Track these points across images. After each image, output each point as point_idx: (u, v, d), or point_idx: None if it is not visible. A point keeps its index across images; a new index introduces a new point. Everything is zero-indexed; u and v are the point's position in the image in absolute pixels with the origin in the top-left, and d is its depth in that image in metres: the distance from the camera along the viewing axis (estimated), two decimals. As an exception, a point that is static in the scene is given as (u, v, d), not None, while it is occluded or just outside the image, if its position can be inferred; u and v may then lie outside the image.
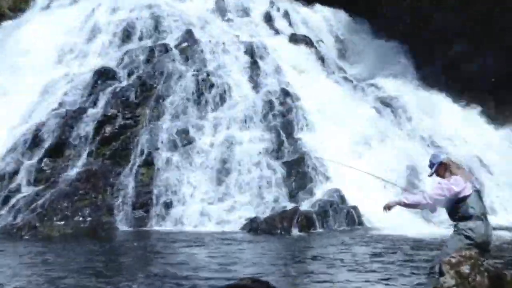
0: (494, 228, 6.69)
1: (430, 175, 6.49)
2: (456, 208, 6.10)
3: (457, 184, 6.10)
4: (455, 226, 6.13)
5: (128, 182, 15.50)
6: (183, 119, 17.33)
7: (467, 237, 5.99)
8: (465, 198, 6.08)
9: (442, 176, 6.32)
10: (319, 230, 13.98)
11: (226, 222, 14.69)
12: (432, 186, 6.36)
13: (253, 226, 14.00)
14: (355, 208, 14.65)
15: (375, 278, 8.16)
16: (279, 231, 13.61)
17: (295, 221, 13.85)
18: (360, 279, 8.11)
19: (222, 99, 18.08)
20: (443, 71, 21.59)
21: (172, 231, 14.14)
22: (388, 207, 6.38)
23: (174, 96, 17.82)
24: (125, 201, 15.15)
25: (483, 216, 6.07)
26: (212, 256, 10.37)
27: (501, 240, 11.39)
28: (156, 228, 14.64)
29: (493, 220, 6.32)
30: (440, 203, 6.19)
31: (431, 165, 6.37)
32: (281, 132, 17.11)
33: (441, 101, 20.04)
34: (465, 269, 5.48)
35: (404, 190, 6.92)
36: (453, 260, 5.59)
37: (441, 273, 5.55)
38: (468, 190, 6.11)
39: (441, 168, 6.28)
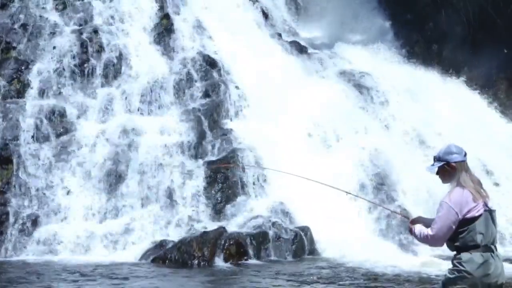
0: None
1: (429, 171, 6.45)
2: (458, 233, 6.17)
3: (462, 203, 6.14)
4: (453, 259, 6.20)
5: (-28, 189, 15.21)
6: (57, 97, 17.12)
7: (466, 277, 6.07)
8: (472, 220, 6.16)
9: (445, 180, 6.34)
10: (254, 260, 14.08)
11: (119, 248, 14.69)
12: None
13: (159, 254, 14.02)
14: (306, 230, 14.84)
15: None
16: (196, 262, 13.66)
17: (221, 248, 13.92)
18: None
19: (117, 69, 17.97)
20: (435, 38, 22.14)
21: (38, 261, 13.95)
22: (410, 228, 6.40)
23: (44, 61, 17.60)
24: (-34, 216, 14.86)
25: (493, 246, 6.17)
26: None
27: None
28: (14, 258, 14.44)
29: (498, 249, 6.38)
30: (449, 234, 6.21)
31: (438, 159, 6.35)
32: (203, 119, 17.16)
33: (431, 80, 20.53)
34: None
35: (393, 212, 6.80)
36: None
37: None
38: (477, 210, 6.18)
39: (447, 171, 6.30)
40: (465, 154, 6.30)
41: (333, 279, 12.05)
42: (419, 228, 6.33)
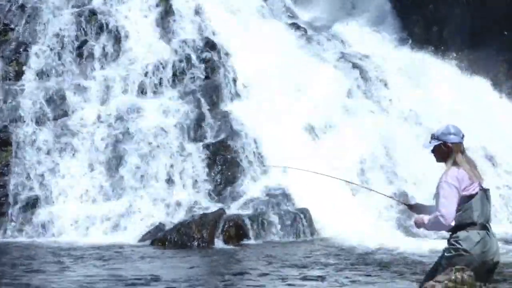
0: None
1: (425, 147, 6.49)
2: (456, 211, 6.19)
3: (459, 180, 6.17)
4: (450, 238, 6.23)
5: (-29, 171, 15.28)
6: (56, 79, 17.15)
7: (463, 255, 6.08)
8: (469, 197, 6.19)
9: (439, 159, 6.38)
10: (254, 241, 14.15)
11: (118, 230, 14.73)
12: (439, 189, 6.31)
13: (158, 236, 14.07)
14: (305, 211, 14.88)
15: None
16: (196, 243, 13.72)
17: (220, 230, 13.99)
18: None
19: (116, 51, 17.97)
20: (435, 20, 22.08)
21: (38, 243, 14.01)
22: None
23: (43, 43, 17.62)
24: (-35, 198, 14.92)
25: (488, 225, 6.20)
26: (93, 281, 10.25)
27: (504, 257, 11.80)
28: (14, 239, 14.48)
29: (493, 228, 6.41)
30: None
31: (435, 138, 6.37)
32: (203, 102, 17.17)
33: (432, 64, 20.50)
34: (455, 298, 5.61)
35: (401, 203, 6.75)
36: (439, 286, 5.70)
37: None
38: (473, 189, 6.21)
39: (442, 150, 6.32)
40: (463, 136, 6.33)
41: (332, 260, 12.08)
42: (427, 217, 6.35)
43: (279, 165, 14.09)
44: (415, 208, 6.62)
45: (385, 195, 7.30)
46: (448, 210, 6.17)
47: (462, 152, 6.31)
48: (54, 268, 11.32)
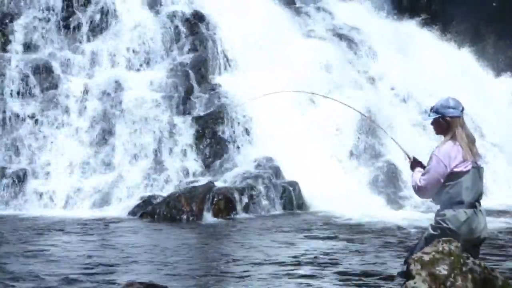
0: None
1: (424, 120, 6.48)
2: (445, 186, 6.18)
3: (451, 156, 6.14)
4: (437, 215, 6.23)
5: (-43, 144, 15.24)
6: (43, 51, 17.07)
7: (449, 234, 6.08)
8: (459, 175, 6.16)
9: (438, 132, 6.34)
10: (243, 215, 14.17)
11: (107, 203, 14.74)
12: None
13: (147, 210, 14.07)
14: (294, 184, 14.91)
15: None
16: (185, 217, 13.72)
17: (209, 203, 14.00)
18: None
19: (103, 23, 17.86)
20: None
21: (26, 216, 13.99)
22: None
23: (29, 14, 17.49)
24: (-49, 172, 14.89)
25: (477, 203, 6.17)
26: (83, 252, 10.27)
27: (493, 230, 11.89)
28: (2, 211, 14.43)
29: (483, 202, 6.41)
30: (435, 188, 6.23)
31: (434, 111, 6.32)
32: (191, 74, 17.11)
33: (422, 36, 20.52)
34: (442, 269, 5.63)
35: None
36: (426, 258, 5.73)
37: (409, 275, 5.67)
38: (465, 166, 6.17)
39: (441, 124, 6.28)
40: (462, 109, 6.27)
41: (320, 232, 12.13)
42: (415, 175, 6.37)
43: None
44: (416, 163, 6.54)
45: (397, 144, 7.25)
46: (426, 185, 6.20)
47: (462, 126, 6.25)
48: (39, 240, 11.33)
